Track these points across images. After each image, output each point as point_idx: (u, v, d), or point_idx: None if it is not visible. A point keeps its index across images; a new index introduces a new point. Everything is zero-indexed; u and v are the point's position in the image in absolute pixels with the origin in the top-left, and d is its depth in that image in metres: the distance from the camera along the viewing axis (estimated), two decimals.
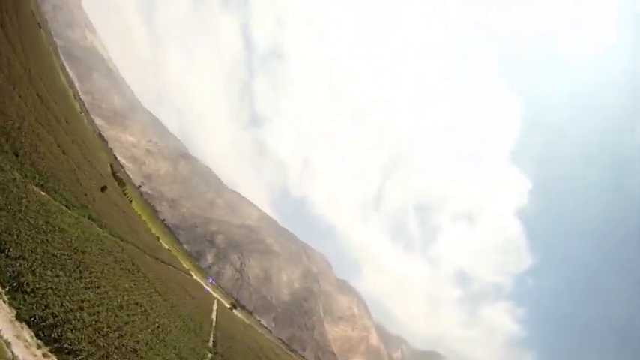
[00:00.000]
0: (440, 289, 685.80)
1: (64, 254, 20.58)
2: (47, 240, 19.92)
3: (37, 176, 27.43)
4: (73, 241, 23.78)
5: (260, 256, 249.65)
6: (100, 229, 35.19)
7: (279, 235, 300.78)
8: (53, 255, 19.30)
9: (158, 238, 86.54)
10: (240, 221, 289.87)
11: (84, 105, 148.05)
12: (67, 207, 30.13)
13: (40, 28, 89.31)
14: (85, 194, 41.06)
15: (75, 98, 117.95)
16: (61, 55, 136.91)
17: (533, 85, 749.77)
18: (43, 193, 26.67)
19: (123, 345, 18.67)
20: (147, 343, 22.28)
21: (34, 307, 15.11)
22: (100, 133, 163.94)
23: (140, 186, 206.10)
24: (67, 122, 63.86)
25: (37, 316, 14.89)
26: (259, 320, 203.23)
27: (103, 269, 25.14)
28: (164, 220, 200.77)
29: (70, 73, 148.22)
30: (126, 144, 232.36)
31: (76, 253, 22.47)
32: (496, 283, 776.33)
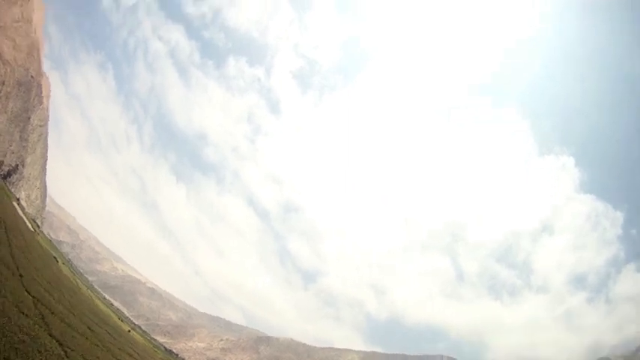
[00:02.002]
0: (566, 305, 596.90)
1: None
2: None
3: None
4: None
5: None
6: None
7: None
8: None
9: None
10: None
11: (140, 327, 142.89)
12: None
13: (58, 261, 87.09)
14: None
15: (122, 321, 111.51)
16: (97, 288, 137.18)
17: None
18: None
19: None
20: None
21: None
22: (166, 348, 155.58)
23: None
24: (90, 330, 54.47)
25: None
26: None
27: None
28: None
29: (115, 302, 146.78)
30: (198, 350, 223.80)
31: None
32: (609, 258, 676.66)
